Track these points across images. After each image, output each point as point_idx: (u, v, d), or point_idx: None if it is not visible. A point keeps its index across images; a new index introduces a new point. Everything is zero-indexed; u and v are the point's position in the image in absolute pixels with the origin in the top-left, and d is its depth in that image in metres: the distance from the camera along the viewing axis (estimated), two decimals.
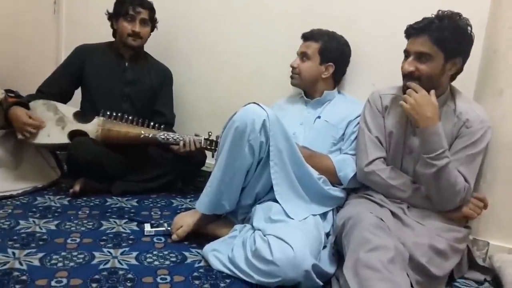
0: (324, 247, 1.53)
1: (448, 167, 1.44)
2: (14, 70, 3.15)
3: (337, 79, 1.95)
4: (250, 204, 1.66)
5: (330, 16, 2.01)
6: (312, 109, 1.91)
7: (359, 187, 1.73)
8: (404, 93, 1.52)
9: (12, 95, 2.72)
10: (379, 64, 1.93)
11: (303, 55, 1.89)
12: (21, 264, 1.38)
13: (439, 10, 1.51)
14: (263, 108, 1.53)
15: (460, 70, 1.55)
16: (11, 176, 2.04)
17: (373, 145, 1.63)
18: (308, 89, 1.93)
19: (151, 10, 2.18)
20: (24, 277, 1.30)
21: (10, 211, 1.80)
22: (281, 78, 2.08)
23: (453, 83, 1.61)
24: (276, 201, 1.56)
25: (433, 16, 1.50)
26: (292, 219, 1.51)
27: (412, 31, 1.52)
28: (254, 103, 1.56)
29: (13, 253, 1.44)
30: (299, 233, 1.42)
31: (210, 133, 1.98)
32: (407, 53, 1.54)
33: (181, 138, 1.99)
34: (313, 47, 1.87)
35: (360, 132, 1.71)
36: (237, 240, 1.52)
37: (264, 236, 1.42)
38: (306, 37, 1.90)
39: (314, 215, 1.59)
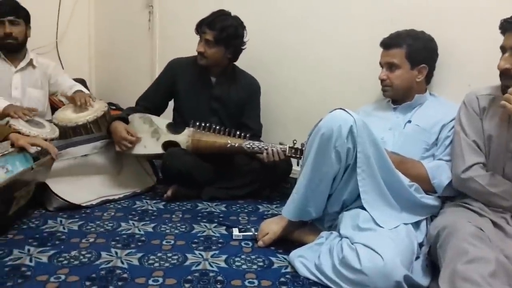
0: (417, 258, 1.46)
1: None
2: (114, 85, 3.45)
3: (429, 79, 1.85)
4: (337, 211, 1.63)
5: (417, 13, 1.92)
6: (401, 113, 1.84)
7: (455, 195, 1.62)
8: (504, 93, 1.39)
9: (114, 107, 2.99)
10: (475, 63, 1.79)
11: (390, 65, 1.79)
12: (122, 262, 1.49)
13: None
14: (350, 114, 1.50)
15: None
16: (113, 182, 2.23)
17: (470, 150, 1.52)
18: (402, 97, 1.84)
19: (221, 31, 2.13)
20: (125, 275, 1.41)
21: (112, 213, 1.96)
22: (366, 82, 2.03)
23: None
24: (364, 209, 1.52)
25: None
26: (382, 227, 1.45)
27: (508, 26, 1.39)
28: (341, 108, 1.53)
29: (116, 253, 1.57)
30: (390, 242, 1.37)
31: (295, 141, 1.99)
32: (503, 50, 1.42)
33: (266, 147, 2.02)
34: (399, 54, 1.77)
35: (455, 136, 1.60)
36: (323, 247, 1.51)
37: (352, 244, 1.39)
38: (387, 44, 1.80)
39: (405, 224, 1.52)
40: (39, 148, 1.86)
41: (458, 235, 1.25)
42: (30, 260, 1.47)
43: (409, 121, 1.80)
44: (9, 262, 1.45)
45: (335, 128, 1.49)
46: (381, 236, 1.40)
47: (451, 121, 1.69)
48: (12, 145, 1.80)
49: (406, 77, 1.79)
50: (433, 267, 1.42)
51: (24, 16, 2.41)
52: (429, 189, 1.65)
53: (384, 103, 1.93)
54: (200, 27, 2.18)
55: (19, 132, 1.98)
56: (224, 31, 2.14)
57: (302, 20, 2.34)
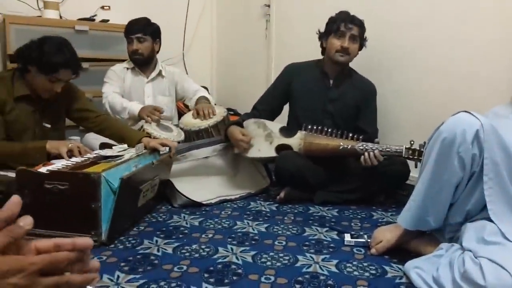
0: None
1: None
2: (233, 91, 3.66)
3: None
4: (460, 222, 1.50)
5: None
6: None
7: None
8: None
9: (232, 113, 3.16)
10: None
11: None
12: (237, 259, 1.57)
13: None
14: (475, 117, 1.39)
15: None
16: (230, 183, 2.36)
17: None
18: None
19: (362, 27, 2.22)
20: (239, 271, 1.48)
21: (229, 212, 2.08)
22: (497, 82, 1.85)
23: None
24: (491, 220, 1.38)
25: None
26: (511, 241, 1.31)
27: None
28: (465, 111, 1.42)
29: (231, 249, 1.65)
30: None
31: (412, 142, 1.90)
32: None
33: (380, 149, 1.98)
34: None
35: None
36: (443, 259, 1.40)
37: (476, 258, 1.27)
38: None
39: None
40: (167, 149, 2.06)
41: None
42: (158, 250, 1.63)
43: None
44: (140, 251, 1.63)
45: (458, 132, 1.38)
46: (510, 251, 1.26)
47: None
48: (145, 147, 2.04)
49: None
50: None
51: (151, 33, 2.66)
52: None
53: None
54: (344, 25, 2.18)
55: (150, 136, 2.23)
56: (363, 26, 2.23)
57: (425, 18, 2.22)
